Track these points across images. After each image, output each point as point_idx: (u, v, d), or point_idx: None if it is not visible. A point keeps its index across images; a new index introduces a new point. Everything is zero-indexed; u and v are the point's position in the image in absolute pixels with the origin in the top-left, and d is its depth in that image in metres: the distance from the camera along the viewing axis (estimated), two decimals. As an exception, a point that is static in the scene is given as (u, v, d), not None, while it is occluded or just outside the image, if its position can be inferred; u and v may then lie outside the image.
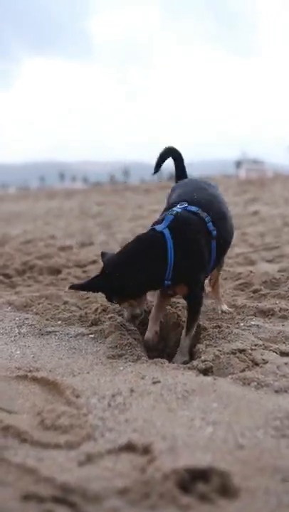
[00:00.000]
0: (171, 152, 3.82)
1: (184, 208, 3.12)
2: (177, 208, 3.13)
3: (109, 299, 3.13)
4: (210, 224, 3.10)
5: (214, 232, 3.10)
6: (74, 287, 3.18)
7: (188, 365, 2.71)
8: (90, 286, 3.09)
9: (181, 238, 2.97)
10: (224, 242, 3.32)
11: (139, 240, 3.09)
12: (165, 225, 3.01)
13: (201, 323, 3.31)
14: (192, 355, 3.00)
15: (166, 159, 3.74)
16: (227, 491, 1.55)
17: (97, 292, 3.29)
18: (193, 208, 3.12)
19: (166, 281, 2.97)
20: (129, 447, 1.82)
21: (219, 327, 3.24)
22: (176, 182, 3.76)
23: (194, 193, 3.30)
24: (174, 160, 3.87)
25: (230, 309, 3.72)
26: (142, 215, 12.47)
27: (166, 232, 2.99)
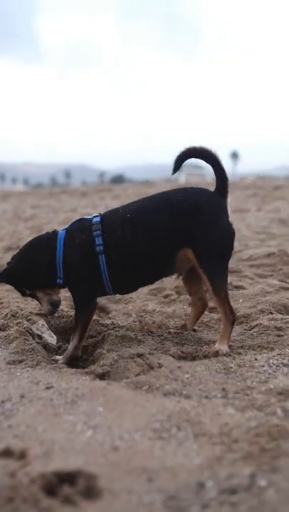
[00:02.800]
0: (191, 153, 3.22)
1: (89, 219, 3.16)
2: (87, 217, 3.22)
3: (21, 291, 3.35)
4: (98, 238, 3.04)
5: (99, 248, 3.03)
6: None
7: (87, 369, 2.75)
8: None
9: (70, 241, 3.11)
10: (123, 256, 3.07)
11: (37, 237, 3.34)
12: (65, 228, 3.20)
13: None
14: (76, 360, 3.07)
15: (185, 160, 3.22)
16: (91, 492, 1.60)
17: (8, 284, 3.47)
18: (95, 220, 3.13)
19: (58, 280, 3.13)
20: (6, 453, 1.84)
21: (126, 331, 3.31)
22: (216, 186, 3.16)
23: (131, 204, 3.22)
24: (206, 162, 3.24)
25: (228, 351, 2.97)
26: (75, 218, 12.44)
27: (62, 232, 3.17)
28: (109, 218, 3.11)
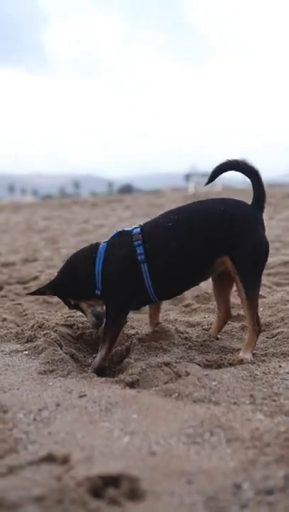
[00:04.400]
0: (231, 166, 3.27)
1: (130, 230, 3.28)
2: (128, 228, 3.35)
3: (67, 302, 3.50)
4: (140, 247, 3.14)
5: (141, 257, 3.13)
6: (32, 293, 3.64)
7: (116, 378, 2.85)
8: (44, 289, 3.51)
9: (110, 253, 3.23)
10: (166, 265, 3.16)
11: (81, 249, 3.49)
12: (106, 240, 3.34)
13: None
14: (104, 370, 3.18)
15: (223, 172, 3.28)
16: (135, 494, 1.69)
17: (54, 295, 3.63)
18: (135, 231, 3.24)
19: (97, 290, 3.23)
20: (49, 458, 1.93)
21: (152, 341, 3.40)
22: (254, 199, 3.22)
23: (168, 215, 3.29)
24: (246, 175, 3.29)
25: (252, 359, 3.05)
26: (88, 229, 12.60)
27: (104, 245, 3.31)
28: (149, 228, 3.23)
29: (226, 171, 3.28)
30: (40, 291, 3.58)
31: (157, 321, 3.57)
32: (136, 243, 3.15)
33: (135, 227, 3.27)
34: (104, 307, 3.32)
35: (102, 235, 10.60)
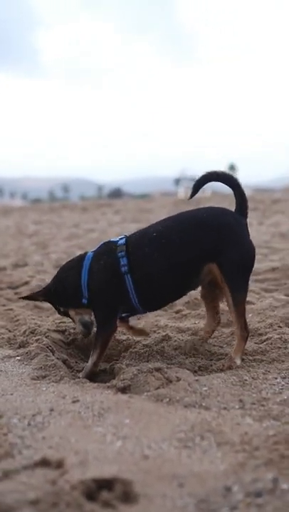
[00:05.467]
0: (213, 177, 3.35)
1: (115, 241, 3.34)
2: (114, 238, 3.41)
3: (57, 309, 3.57)
4: (123, 259, 3.19)
5: (124, 268, 3.17)
6: (25, 297, 3.71)
7: (108, 383, 2.90)
8: (37, 296, 3.62)
9: (95, 263, 3.30)
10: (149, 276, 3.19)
11: (72, 258, 3.57)
12: (94, 250, 3.41)
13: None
14: (95, 376, 3.22)
15: (205, 184, 3.37)
16: (128, 497, 1.74)
17: (46, 301, 3.70)
18: (120, 242, 3.29)
19: (83, 299, 3.29)
20: (44, 462, 1.98)
21: (143, 347, 3.46)
22: (237, 206, 3.31)
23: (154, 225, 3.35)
24: (227, 185, 3.38)
25: (241, 364, 3.13)
26: (78, 234, 12.63)
27: (90, 254, 3.38)
28: (134, 239, 3.28)
29: (206, 182, 3.37)
30: (32, 297, 3.66)
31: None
32: (120, 254, 3.20)
33: (121, 238, 3.33)
34: (93, 316, 3.39)
35: (92, 240, 10.64)
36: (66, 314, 3.53)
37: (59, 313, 3.60)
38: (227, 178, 3.33)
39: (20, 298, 3.79)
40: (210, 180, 3.36)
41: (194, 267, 3.17)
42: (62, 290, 3.40)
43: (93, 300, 3.27)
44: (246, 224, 3.27)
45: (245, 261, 3.17)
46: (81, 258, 3.41)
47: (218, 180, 3.35)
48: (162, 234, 3.21)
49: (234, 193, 3.33)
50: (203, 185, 3.37)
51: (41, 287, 3.91)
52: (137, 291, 3.18)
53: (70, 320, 3.59)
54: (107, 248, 3.32)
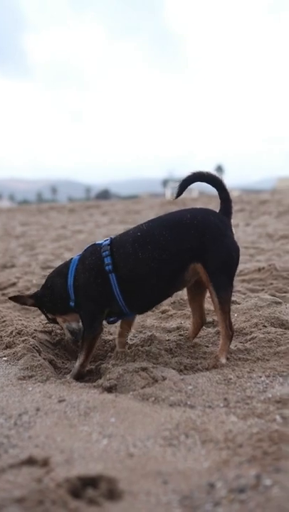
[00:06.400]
0: (198, 177, 3.38)
1: (99, 243, 3.39)
2: (99, 241, 3.45)
3: (46, 315, 3.59)
4: (107, 258, 3.23)
5: (108, 267, 3.22)
6: (13, 298, 3.65)
7: (94, 383, 2.91)
8: (25, 299, 3.61)
9: (81, 264, 3.34)
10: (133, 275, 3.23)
11: (60, 264, 3.59)
12: (79, 253, 3.45)
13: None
14: (83, 377, 3.24)
15: (191, 184, 3.39)
16: (113, 494, 1.76)
17: (34, 306, 3.68)
18: (105, 242, 3.34)
19: (70, 302, 3.33)
20: (30, 461, 1.99)
21: (129, 348, 3.48)
22: (221, 207, 3.36)
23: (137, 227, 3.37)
24: (212, 185, 3.43)
25: (226, 363, 3.16)
26: (66, 235, 12.62)
27: (77, 257, 3.43)
28: (118, 240, 3.32)
29: (192, 182, 3.39)
30: (21, 300, 3.62)
31: (125, 342, 3.62)
32: (104, 254, 3.24)
33: (106, 239, 3.37)
34: (80, 323, 3.42)
35: (80, 241, 10.64)
36: (54, 321, 3.56)
37: (48, 320, 3.61)
38: (212, 179, 3.37)
39: (8, 298, 3.80)
40: (195, 181, 3.38)
41: (178, 266, 3.20)
42: (51, 295, 3.43)
43: (79, 301, 3.29)
44: (230, 224, 3.29)
45: (230, 260, 3.20)
46: (68, 262, 3.47)
47: (204, 181, 3.38)
48: (146, 234, 3.23)
49: (219, 194, 3.37)
50: (189, 185, 3.39)
51: (29, 289, 3.92)
52: (122, 290, 3.21)
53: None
54: (92, 249, 3.36)
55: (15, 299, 3.64)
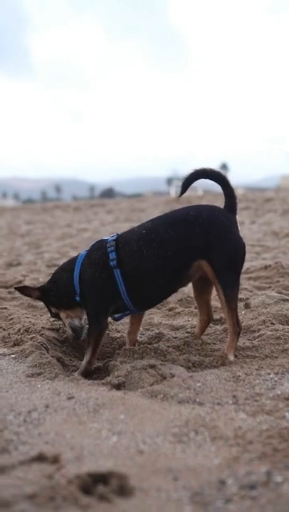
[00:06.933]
0: (201, 174, 3.37)
1: (105, 239, 3.40)
2: (106, 237, 3.46)
3: (50, 310, 3.60)
4: (112, 253, 3.24)
5: (113, 262, 3.22)
6: (19, 288, 3.62)
7: (103, 380, 2.92)
8: (33, 291, 3.59)
9: (87, 259, 3.36)
10: (138, 272, 3.22)
11: (67, 260, 3.63)
12: (86, 249, 3.46)
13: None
14: (90, 374, 3.24)
15: (194, 181, 3.39)
16: (124, 491, 1.76)
17: (38, 300, 3.68)
18: (110, 238, 3.35)
19: (76, 297, 3.34)
20: (40, 458, 1.99)
21: (137, 345, 3.48)
22: (226, 203, 3.33)
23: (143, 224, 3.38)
24: (216, 182, 3.40)
25: (234, 360, 3.15)
26: (71, 233, 12.63)
27: (84, 253, 3.44)
28: (124, 236, 3.33)
29: (196, 179, 3.38)
30: (27, 291, 3.60)
31: (135, 339, 3.61)
32: (109, 249, 3.25)
33: (112, 235, 3.38)
34: (83, 321, 3.45)
35: (85, 239, 10.65)
36: (57, 316, 3.55)
37: (51, 314, 3.62)
38: (216, 175, 3.35)
39: (14, 288, 3.77)
40: (199, 178, 3.37)
41: (183, 262, 3.19)
42: (56, 289, 3.44)
43: (84, 296, 3.30)
44: (236, 220, 3.28)
45: (236, 257, 3.20)
46: (75, 258, 3.49)
47: (207, 178, 3.37)
48: (151, 231, 3.24)
49: (223, 190, 3.36)
50: (193, 182, 3.39)
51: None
52: (127, 286, 3.21)
53: None
54: (98, 245, 3.37)
55: (21, 289, 3.61)
